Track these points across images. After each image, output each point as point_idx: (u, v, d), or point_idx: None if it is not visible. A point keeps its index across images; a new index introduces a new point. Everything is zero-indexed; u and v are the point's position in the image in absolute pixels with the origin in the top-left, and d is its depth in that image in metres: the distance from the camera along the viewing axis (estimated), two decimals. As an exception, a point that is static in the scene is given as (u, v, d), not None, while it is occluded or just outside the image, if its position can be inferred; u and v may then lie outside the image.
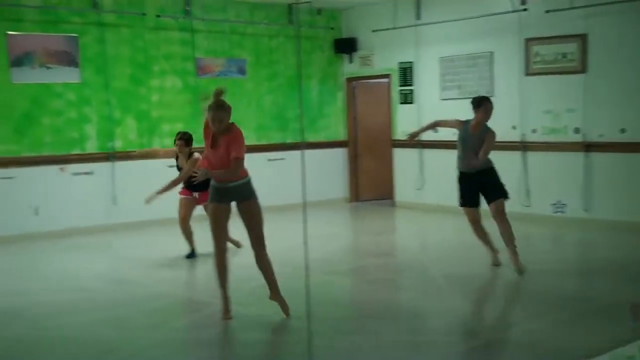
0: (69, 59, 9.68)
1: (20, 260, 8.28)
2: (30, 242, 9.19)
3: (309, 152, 11.69)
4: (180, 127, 10.60)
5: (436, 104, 10.95)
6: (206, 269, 6.72)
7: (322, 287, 6.42)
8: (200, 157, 7.36)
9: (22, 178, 9.38)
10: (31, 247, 8.97)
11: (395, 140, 11.75)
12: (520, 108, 9.92)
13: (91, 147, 9.98)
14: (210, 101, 5.44)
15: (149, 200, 7.65)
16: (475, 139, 6.82)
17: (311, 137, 11.98)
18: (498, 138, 6.89)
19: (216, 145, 5.44)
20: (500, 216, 6.84)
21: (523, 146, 9.90)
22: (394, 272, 7.55)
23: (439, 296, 6.28)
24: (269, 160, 11.41)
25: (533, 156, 9.88)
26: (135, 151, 9.47)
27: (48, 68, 9.51)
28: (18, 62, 9.29)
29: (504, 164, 7.89)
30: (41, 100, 9.55)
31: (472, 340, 5.18)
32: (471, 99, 6.98)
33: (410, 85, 11.40)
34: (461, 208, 7.14)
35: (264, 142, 11.48)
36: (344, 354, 4.86)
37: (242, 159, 5.43)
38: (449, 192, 10.71)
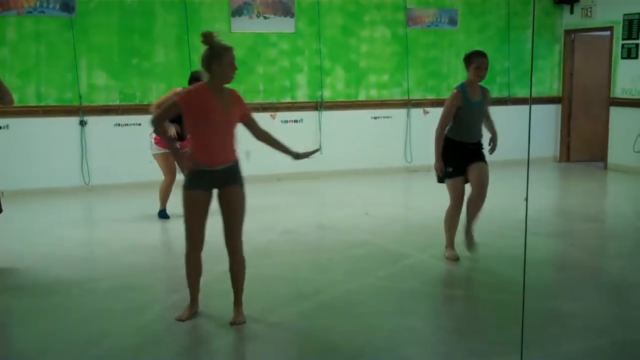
0: (285, 9, 9.98)
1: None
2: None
3: (518, 108, 11.22)
4: (386, 79, 10.65)
5: (664, 60, 10.04)
6: (402, 223, 6.75)
7: (527, 248, 6.18)
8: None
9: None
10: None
11: (613, 98, 10.95)
12: None
13: (301, 95, 10.29)
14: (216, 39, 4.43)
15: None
16: (481, 107, 5.88)
17: (521, 92, 11.49)
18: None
19: (222, 107, 4.39)
20: (485, 185, 5.83)
21: None
22: (605, 238, 7.12)
23: (656, 268, 5.83)
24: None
25: None
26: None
27: (265, 18, 9.89)
28: (238, 11, 9.74)
29: None
30: (257, 49, 9.97)
31: (693, 319, 4.76)
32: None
33: (636, 39, 10.51)
34: (448, 181, 5.87)
35: (471, 96, 11.21)
36: (550, 319, 4.67)
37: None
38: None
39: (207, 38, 4.38)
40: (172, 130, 6.78)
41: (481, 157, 5.91)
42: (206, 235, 4.57)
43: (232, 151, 4.51)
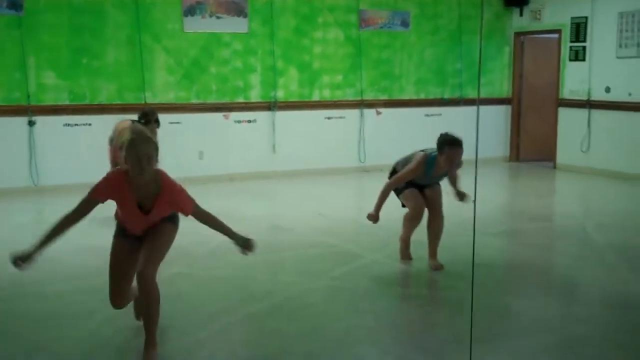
0: (238, 10, 9.95)
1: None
2: (195, 185, 9.63)
3: (469, 109, 11.39)
4: (339, 79, 10.71)
5: (611, 62, 10.29)
6: (355, 224, 6.76)
7: (476, 247, 6.27)
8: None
9: (188, 124, 9.83)
10: (196, 190, 9.40)
11: (562, 99, 11.18)
12: None
13: (255, 95, 10.27)
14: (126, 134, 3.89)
15: None
16: (440, 178, 5.79)
17: (472, 93, 11.65)
18: None
19: (138, 206, 3.91)
20: (440, 204, 5.81)
21: None
22: (553, 237, 7.26)
23: (601, 266, 5.96)
24: (426, 115, 11.29)
25: None
26: None
27: (218, 18, 9.84)
28: (191, 11, 9.67)
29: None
30: (210, 49, 9.92)
31: (636, 314, 4.87)
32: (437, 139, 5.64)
33: (583, 41, 10.75)
34: (403, 194, 5.80)
35: (422, 96, 11.34)
36: (497, 315, 4.76)
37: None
38: (618, 155, 10.22)
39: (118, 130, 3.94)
40: None
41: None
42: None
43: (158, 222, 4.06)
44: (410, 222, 5.85)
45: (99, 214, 4.90)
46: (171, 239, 4.13)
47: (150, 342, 3.99)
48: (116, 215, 4.16)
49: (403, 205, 5.93)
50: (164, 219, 4.05)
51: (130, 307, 4.59)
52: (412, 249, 6.03)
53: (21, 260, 3.74)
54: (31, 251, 3.78)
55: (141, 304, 4.08)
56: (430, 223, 5.83)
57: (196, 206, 4.08)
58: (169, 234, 4.10)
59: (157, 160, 3.85)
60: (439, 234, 5.81)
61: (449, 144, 5.48)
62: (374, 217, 5.66)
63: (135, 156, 3.73)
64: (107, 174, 3.96)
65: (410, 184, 5.74)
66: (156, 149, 3.85)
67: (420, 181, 5.73)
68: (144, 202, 3.91)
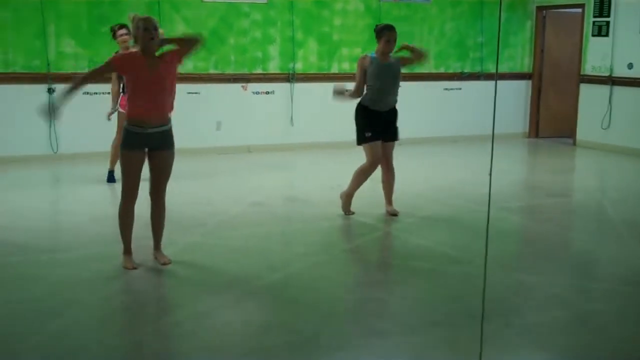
0: (257, -21, 9.88)
1: (204, 172, 8.74)
2: (212, 156, 9.70)
3: (489, 83, 11.29)
4: (359, 52, 10.62)
5: (634, 38, 10.13)
6: (369, 196, 6.77)
7: (493, 222, 6.27)
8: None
9: (207, 94, 9.83)
10: (214, 160, 9.46)
11: (583, 75, 11.05)
12: None
13: (273, 67, 10.24)
14: None
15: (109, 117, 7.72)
16: (391, 70, 6.34)
17: (493, 68, 11.54)
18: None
19: (155, 71, 4.77)
20: (391, 160, 6.47)
21: None
22: (570, 213, 7.23)
23: (617, 243, 5.92)
24: (445, 89, 11.22)
25: None
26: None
27: (237, -13, 9.79)
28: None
29: None
30: (229, 20, 9.88)
31: (651, 293, 4.86)
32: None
33: (607, 16, 10.58)
34: (367, 144, 6.31)
35: (442, 70, 11.26)
36: (512, 291, 4.75)
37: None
38: (639, 133, 10.10)
39: (131, 18, 4.87)
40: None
41: (393, 135, 6.41)
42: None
43: (165, 115, 4.88)
44: (364, 175, 6.38)
45: (118, 185, 4.95)
46: (173, 162, 4.98)
47: (159, 244, 5.11)
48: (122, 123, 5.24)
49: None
50: (171, 144, 4.91)
51: (143, 274, 4.63)
52: (426, 223, 6.02)
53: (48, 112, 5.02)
54: (57, 105, 4.87)
55: (159, 219, 5.06)
56: (384, 177, 6.49)
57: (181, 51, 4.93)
58: (171, 159, 4.96)
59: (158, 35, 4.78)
60: (392, 184, 6.50)
61: (382, 28, 6.36)
62: (338, 90, 6.57)
63: (144, 28, 4.69)
64: (118, 54, 5.01)
65: (374, 130, 6.25)
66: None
67: (381, 83, 6.27)
68: (153, 69, 4.75)
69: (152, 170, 4.94)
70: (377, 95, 6.31)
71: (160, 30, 4.94)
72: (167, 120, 4.88)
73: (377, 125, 6.28)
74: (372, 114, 6.31)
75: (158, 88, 4.77)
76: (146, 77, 4.73)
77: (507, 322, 4.21)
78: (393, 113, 6.41)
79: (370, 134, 6.25)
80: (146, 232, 5.20)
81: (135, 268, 4.96)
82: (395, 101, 6.43)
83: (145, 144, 4.83)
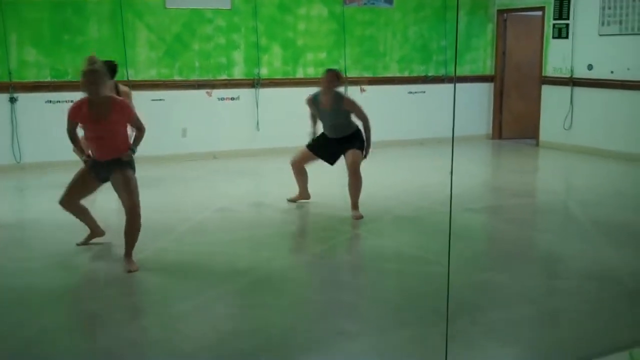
0: (220, -15, 9.88)
1: (170, 179, 8.70)
2: (178, 163, 9.65)
3: (452, 86, 11.41)
4: (323, 56, 10.69)
5: (593, 40, 10.32)
6: (337, 200, 6.81)
7: (459, 223, 6.35)
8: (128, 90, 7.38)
9: (171, 101, 9.80)
10: (179, 167, 9.43)
11: (545, 76, 11.23)
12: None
13: (238, 73, 10.24)
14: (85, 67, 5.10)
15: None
16: (331, 109, 6.73)
17: (457, 71, 11.67)
18: None
19: (100, 117, 5.14)
20: (355, 166, 6.65)
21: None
22: (535, 213, 7.33)
23: (582, 240, 6.03)
24: (410, 93, 11.33)
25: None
26: None
27: (200, -7, 9.78)
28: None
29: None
30: (192, 26, 9.86)
31: (615, 287, 4.94)
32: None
33: (566, 18, 10.78)
34: (304, 147, 7.07)
35: (406, 74, 11.35)
36: (478, 289, 4.82)
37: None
38: (599, 133, 10.30)
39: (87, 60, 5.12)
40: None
41: (353, 145, 6.69)
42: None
43: (116, 149, 5.21)
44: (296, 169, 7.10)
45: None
46: (135, 181, 5.22)
47: (130, 254, 5.15)
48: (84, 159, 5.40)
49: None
50: (123, 165, 5.19)
51: (111, 281, 4.60)
52: (393, 225, 6.07)
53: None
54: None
55: (129, 229, 5.13)
56: (350, 181, 6.67)
57: (137, 118, 5.31)
58: (132, 177, 5.21)
59: (106, 84, 5.14)
60: (357, 190, 6.65)
61: (327, 71, 6.95)
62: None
63: (89, 82, 5.03)
64: (73, 103, 5.23)
65: (318, 145, 6.91)
66: (104, 75, 5.11)
67: (325, 119, 6.81)
68: (100, 116, 5.09)
69: (115, 190, 5.26)
70: (326, 129, 6.89)
71: (125, 89, 5.72)
72: (121, 154, 5.20)
73: (326, 147, 6.87)
74: (327, 138, 6.91)
75: (104, 133, 5.14)
76: (92, 123, 5.12)
77: (472, 320, 4.26)
78: (352, 137, 6.74)
79: (311, 144, 6.98)
80: (118, 240, 5.18)
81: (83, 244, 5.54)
82: (351, 128, 6.75)
83: (100, 172, 5.27)
